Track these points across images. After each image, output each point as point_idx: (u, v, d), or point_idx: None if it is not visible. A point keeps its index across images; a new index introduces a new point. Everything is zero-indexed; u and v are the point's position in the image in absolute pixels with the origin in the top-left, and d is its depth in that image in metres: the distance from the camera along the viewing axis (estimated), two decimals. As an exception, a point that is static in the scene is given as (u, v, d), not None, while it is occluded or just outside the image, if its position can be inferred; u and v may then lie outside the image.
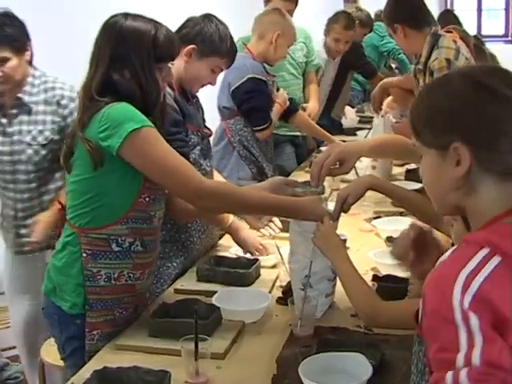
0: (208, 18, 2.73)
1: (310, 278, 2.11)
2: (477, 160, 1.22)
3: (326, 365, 1.82)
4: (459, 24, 4.86)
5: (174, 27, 2.67)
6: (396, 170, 4.06)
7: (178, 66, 2.67)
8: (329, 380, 1.77)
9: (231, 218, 2.70)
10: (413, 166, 3.80)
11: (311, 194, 2.30)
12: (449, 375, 1.08)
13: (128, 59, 2.08)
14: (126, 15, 2.14)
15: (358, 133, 5.14)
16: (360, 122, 5.84)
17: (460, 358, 1.08)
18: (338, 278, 2.18)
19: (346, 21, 5.06)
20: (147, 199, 2.13)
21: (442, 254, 1.27)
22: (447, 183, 1.27)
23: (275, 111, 3.84)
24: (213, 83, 2.78)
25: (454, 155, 1.24)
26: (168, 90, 2.62)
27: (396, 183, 3.50)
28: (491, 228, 1.21)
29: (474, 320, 1.09)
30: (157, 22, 2.16)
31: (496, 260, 1.14)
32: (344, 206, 2.18)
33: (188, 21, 2.74)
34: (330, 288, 2.22)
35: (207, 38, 2.67)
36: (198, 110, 2.86)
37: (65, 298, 2.14)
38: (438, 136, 1.26)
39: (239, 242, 2.71)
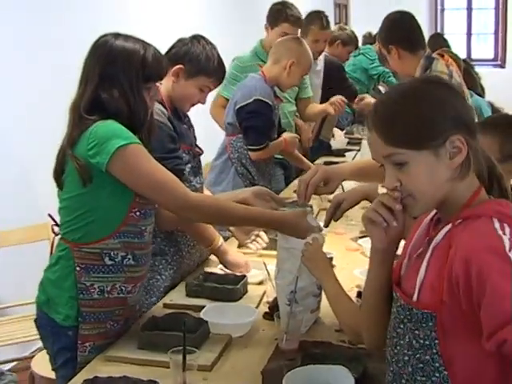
0: (196, 38, 2.80)
1: (296, 293, 2.17)
2: (469, 146, 1.37)
3: (310, 377, 1.87)
4: (448, 47, 4.98)
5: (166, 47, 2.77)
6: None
7: (167, 85, 2.75)
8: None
9: (220, 241, 2.77)
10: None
11: None
12: None
13: (117, 78, 2.13)
14: (117, 35, 2.19)
15: (346, 154, 5.22)
16: (349, 143, 5.93)
17: None
18: (323, 294, 2.25)
19: (321, 21, 5.03)
20: (138, 213, 2.20)
21: None
22: (443, 177, 1.39)
23: (276, 145, 3.87)
24: (202, 102, 2.83)
25: (449, 148, 1.37)
26: (162, 108, 2.70)
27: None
28: (482, 205, 1.39)
29: None
30: (145, 43, 2.21)
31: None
32: (337, 212, 2.23)
33: (177, 41, 2.82)
34: (315, 304, 2.28)
35: (194, 58, 2.73)
36: (190, 129, 2.93)
37: (58, 310, 2.19)
38: (435, 137, 1.37)
39: (226, 264, 2.77)
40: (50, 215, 2.92)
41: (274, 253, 2.89)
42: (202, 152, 3.05)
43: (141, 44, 2.19)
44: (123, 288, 2.21)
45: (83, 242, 2.15)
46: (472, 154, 1.39)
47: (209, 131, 4.05)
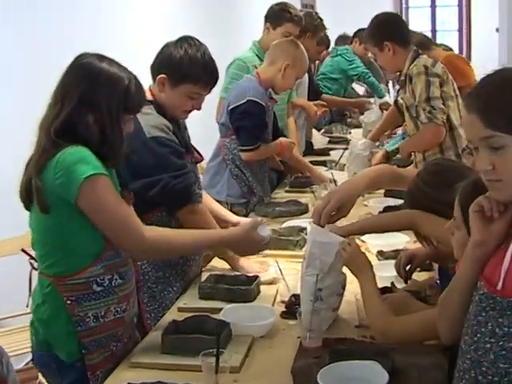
0: (181, 41, 2.69)
1: (322, 291, 2.17)
2: None
3: (343, 374, 1.87)
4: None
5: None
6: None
7: (158, 95, 2.70)
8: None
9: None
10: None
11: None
12: None
13: (97, 104, 2.03)
14: (101, 57, 2.10)
15: (331, 153, 5.22)
16: (330, 142, 5.94)
17: None
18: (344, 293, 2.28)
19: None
20: None
21: None
22: None
23: (271, 148, 3.86)
24: (197, 108, 2.76)
25: None
26: (167, 123, 2.65)
27: (374, 200, 3.63)
28: None
29: None
30: (129, 71, 2.12)
31: None
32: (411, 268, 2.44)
33: (163, 47, 2.73)
34: (337, 302, 2.27)
35: (175, 65, 2.64)
36: (186, 136, 2.90)
37: (59, 347, 2.11)
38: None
39: (240, 270, 2.75)
40: (23, 250, 2.82)
41: (280, 252, 2.94)
42: (203, 158, 3.04)
43: (126, 72, 2.11)
44: (118, 309, 2.15)
45: (66, 274, 2.06)
46: None
47: (204, 132, 4.01)
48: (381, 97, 6.76)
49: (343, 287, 2.26)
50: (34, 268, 2.30)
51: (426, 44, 4.80)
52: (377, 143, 4.57)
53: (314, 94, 5.68)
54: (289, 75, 3.76)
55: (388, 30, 3.73)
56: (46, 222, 2.05)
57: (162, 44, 2.75)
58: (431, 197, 2.19)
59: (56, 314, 2.09)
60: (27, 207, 2.11)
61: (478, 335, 1.46)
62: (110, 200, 2.04)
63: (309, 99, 5.25)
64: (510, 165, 1.42)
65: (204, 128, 4.45)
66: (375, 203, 3.58)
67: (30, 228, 2.16)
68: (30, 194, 2.05)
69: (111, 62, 2.11)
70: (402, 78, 3.71)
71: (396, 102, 4.07)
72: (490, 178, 1.44)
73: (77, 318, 2.07)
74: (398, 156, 4.17)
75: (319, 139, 5.99)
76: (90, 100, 2.03)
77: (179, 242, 2.27)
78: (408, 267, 2.46)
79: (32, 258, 2.21)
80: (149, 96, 2.73)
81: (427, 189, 2.23)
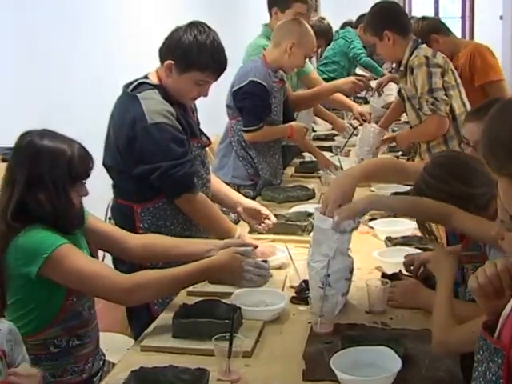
0: (190, 27, 2.67)
1: (330, 276, 2.16)
2: None
3: (356, 359, 1.87)
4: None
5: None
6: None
7: (164, 79, 2.69)
8: (360, 373, 1.82)
9: (238, 231, 2.76)
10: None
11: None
12: None
13: (43, 180, 2.08)
14: (42, 134, 2.13)
15: (336, 138, 5.21)
16: (334, 128, 5.90)
17: None
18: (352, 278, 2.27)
19: None
20: (75, 299, 2.17)
21: None
22: None
23: (279, 131, 3.83)
24: (204, 95, 2.75)
25: None
26: (170, 109, 2.64)
27: (380, 185, 3.61)
28: None
29: None
30: (72, 141, 2.15)
31: None
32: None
33: (173, 31, 2.71)
34: (346, 287, 2.27)
35: (183, 52, 2.62)
36: (193, 117, 2.89)
37: None
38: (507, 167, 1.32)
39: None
40: None
41: (288, 237, 2.93)
42: (210, 142, 3.03)
43: (67, 143, 2.13)
44: (75, 368, 2.20)
45: (24, 336, 2.00)
46: None
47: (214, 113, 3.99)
48: (379, 75, 6.68)
49: (351, 271, 2.26)
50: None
51: (443, 30, 4.62)
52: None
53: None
54: (296, 54, 3.75)
55: (388, 18, 3.72)
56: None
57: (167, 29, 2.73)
58: (436, 188, 2.18)
59: None
60: None
61: (476, 373, 1.42)
62: (74, 263, 2.08)
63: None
64: (506, 202, 1.37)
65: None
66: (381, 189, 3.57)
67: None
68: None
69: (52, 136, 2.14)
70: (402, 68, 3.69)
71: (399, 92, 4.07)
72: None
73: None
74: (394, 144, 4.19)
75: (323, 125, 5.96)
76: (36, 178, 2.08)
77: (160, 280, 2.20)
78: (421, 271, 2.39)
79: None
80: (155, 80, 2.72)
81: (432, 180, 2.20)
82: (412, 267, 2.39)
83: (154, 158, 2.61)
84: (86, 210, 2.31)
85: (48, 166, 2.08)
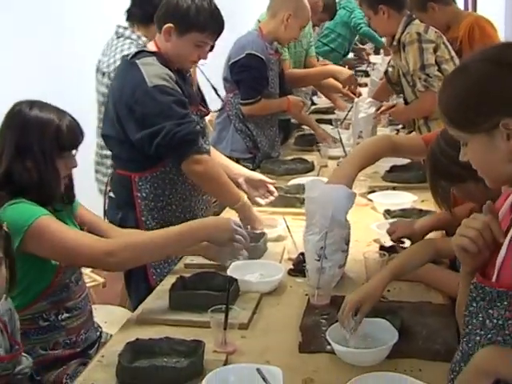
0: None
1: (326, 248, 2.15)
2: None
3: (352, 331, 1.86)
4: None
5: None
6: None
7: (163, 46, 2.68)
8: (356, 345, 1.82)
9: (244, 198, 2.73)
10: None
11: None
12: None
13: (31, 149, 2.09)
14: (32, 104, 2.14)
15: (336, 111, 5.17)
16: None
17: None
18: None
19: None
20: (63, 273, 2.15)
21: None
22: (501, 157, 1.35)
23: (277, 104, 3.83)
24: (204, 57, 2.74)
25: (504, 131, 1.33)
26: (169, 73, 2.63)
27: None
28: None
29: None
30: (61, 111, 2.15)
31: None
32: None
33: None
34: (343, 259, 2.25)
35: (182, 14, 2.63)
36: (192, 87, 2.87)
37: None
38: (485, 120, 1.35)
39: (251, 219, 2.71)
40: None
41: (287, 210, 2.93)
42: (209, 111, 3.01)
43: (55, 113, 2.14)
44: (68, 341, 2.19)
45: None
46: None
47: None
48: (379, 45, 6.63)
49: (347, 243, 2.24)
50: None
51: None
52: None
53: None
54: (292, 26, 3.74)
55: None
56: None
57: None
58: (451, 156, 2.14)
59: None
60: None
61: (470, 327, 1.40)
62: (55, 234, 2.05)
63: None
64: (473, 159, 1.42)
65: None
66: (381, 162, 3.53)
67: None
68: None
69: (42, 106, 2.15)
70: (395, 43, 3.67)
71: (386, 72, 4.06)
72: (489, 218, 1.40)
73: (25, 349, 2.02)
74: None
75: (324, 98, 5.92)
76: (24, 146, 2.09)
77: (146, 244, 2.17)
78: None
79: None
80: (153, 47, 2.71)
81: (449, 148, 2.16)
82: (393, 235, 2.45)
83: (156, 120, 2.57)
84: (78, 201, 2.33)
85: (36, 135, 2.09)
